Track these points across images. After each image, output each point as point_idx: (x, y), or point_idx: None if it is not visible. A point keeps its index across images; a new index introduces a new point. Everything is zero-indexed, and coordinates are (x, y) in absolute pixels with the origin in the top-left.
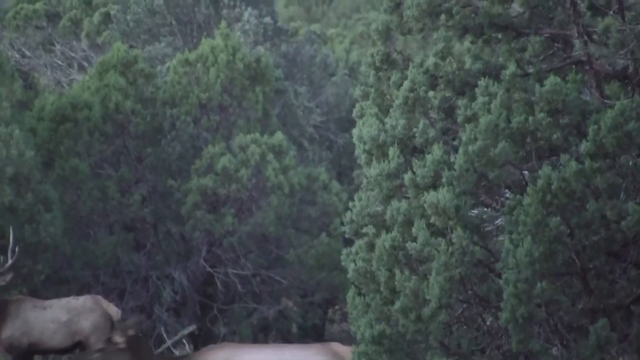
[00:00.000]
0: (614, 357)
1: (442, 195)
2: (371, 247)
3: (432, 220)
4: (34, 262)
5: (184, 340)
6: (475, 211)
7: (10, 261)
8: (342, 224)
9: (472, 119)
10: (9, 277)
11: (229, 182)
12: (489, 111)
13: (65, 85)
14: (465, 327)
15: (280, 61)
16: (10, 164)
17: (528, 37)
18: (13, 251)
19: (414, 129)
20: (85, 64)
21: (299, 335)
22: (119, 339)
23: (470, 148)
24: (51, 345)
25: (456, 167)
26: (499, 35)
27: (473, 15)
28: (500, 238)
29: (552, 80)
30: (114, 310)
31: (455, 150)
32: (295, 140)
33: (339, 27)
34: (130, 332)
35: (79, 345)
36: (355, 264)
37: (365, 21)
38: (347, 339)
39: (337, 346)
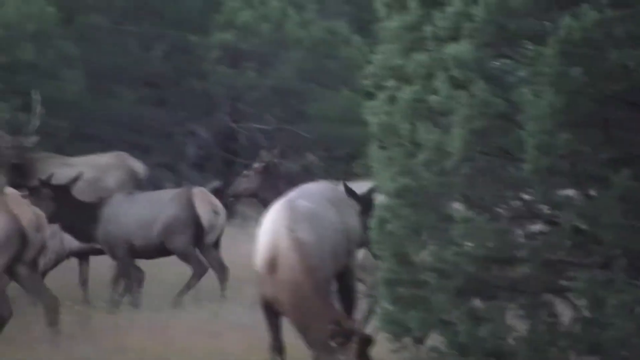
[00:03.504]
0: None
1: (462, 47)
2: (393, 100)
3: (453, 72)
4: (57, 119)
5: None
6: (496, 63)
7: (35, 122)
8: (364, 77)
9: None
10: (34, 139)
11: (250, 37)
12: None
13: None
14: (487, 179)
15: None
16: (31, 20)
17: None
18: (37, 113)
19: None
20: None
21: None
22: None
23: None
24: None
25: (477, 18)
26: None
27: None
28: (522, 90)
29: None
30: (140, 167)
31: (476, 1)
32: None
33: None
34: None
35: None
36: (378, 118)
37: None
38: None
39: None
